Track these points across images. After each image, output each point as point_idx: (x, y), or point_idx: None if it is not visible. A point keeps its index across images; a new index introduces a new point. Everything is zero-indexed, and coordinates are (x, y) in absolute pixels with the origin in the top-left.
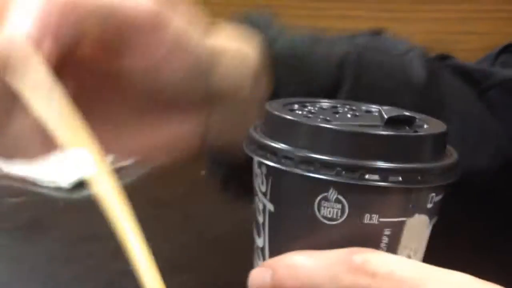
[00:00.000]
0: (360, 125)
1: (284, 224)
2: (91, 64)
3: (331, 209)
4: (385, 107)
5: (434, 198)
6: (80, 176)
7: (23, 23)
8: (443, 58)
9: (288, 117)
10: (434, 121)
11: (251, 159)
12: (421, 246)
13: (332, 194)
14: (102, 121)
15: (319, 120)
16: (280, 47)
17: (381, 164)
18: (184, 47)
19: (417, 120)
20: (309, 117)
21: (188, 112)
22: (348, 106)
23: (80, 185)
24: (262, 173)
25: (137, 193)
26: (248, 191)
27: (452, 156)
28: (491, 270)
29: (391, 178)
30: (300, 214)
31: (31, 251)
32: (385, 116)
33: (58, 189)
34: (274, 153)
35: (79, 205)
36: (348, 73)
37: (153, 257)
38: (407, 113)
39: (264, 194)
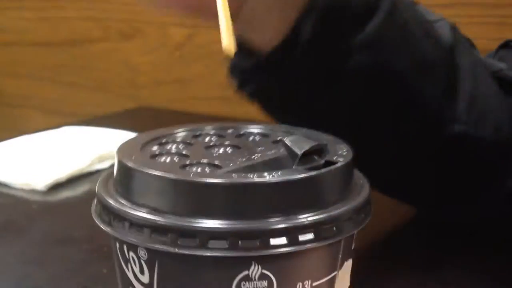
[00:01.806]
0: (256, 165)
1: None
2: None
3: None
4: (289, 137)
5: (355, 234)
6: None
7: None
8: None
9: (160, 173)
10: (336, 142)
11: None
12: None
13: (255, 270)
14: None
15: (206, 168)
16: None
17: (309, 217)
18: None
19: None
20: (186, 165)
21: None
22: (214, 132)
23: (56, 187)
24: (139, 257)
25: None
26: (262, 96)
27: (362, 184)
28: None
29: (323, 235)
30: None
31: (4, 253)
32: (298, 153)
33: (33, 191)
34: (159, 232)
35: (54, 207)
36: (383, 7)
37: None
38: (315, 142)
39: (147, 285)
